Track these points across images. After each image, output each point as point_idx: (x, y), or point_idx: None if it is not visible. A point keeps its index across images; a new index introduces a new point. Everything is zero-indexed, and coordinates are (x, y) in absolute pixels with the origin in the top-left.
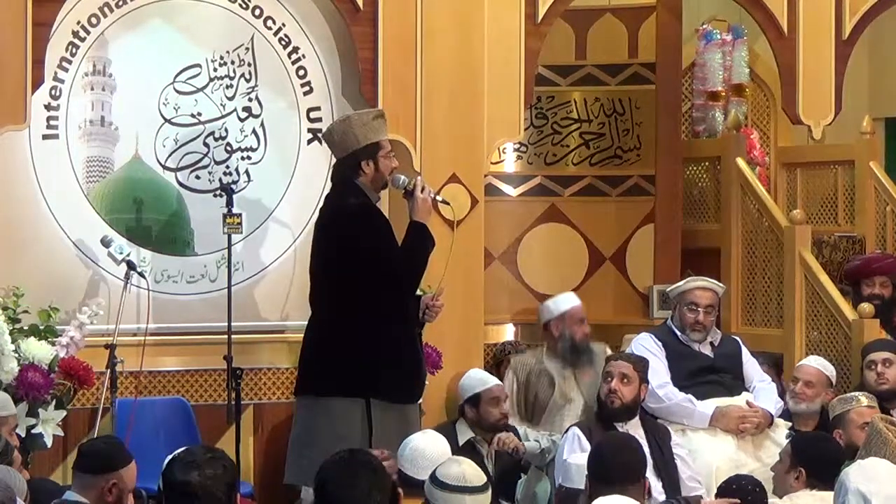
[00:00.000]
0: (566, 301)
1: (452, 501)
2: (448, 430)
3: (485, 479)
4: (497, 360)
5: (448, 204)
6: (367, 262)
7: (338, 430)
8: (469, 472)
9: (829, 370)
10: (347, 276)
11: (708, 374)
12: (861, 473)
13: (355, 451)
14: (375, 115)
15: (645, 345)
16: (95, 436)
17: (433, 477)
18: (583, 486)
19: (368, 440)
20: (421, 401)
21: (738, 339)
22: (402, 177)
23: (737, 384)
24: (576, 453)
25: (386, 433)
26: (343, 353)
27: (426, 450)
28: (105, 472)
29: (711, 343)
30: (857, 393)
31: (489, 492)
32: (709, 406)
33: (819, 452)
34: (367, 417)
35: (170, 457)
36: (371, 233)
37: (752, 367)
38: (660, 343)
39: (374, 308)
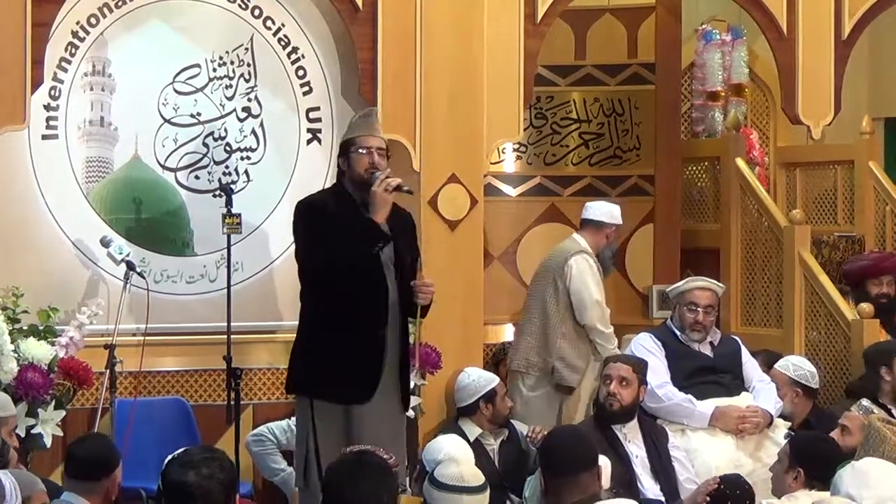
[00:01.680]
0: (620, 215)
1: (450, 501)
2: (457, 430)
3: (482, 479)
4: (496, 360)
5: (411, 193)
6: (302, 259)
7: (297, 428)
8: (467, 472)
9: (797, 371)
10: (299, 273)
11: (708, 374)
12: (853, 477)
13: (363, 451)
14: (362, 113)
15: (644, 344)
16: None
17: (431, 477)
18: None
19: (315, 440)
20: (420, 401)
21: (737, 339)
22: (378, 172)
23: (736, 384)
24: None
25: (327, 433)
26: (293, 352)
27: (454, 453)
28: (107, 475)
29: (711, 343)
30: (863, 401)
31: (487, 492)
32: (708, 406)
33: (817, 452)
34: (312, 416)
35: (169, 457)
36: (305, 228)
37: (751, 367)
38: (659, 343)
39: (315, 306)
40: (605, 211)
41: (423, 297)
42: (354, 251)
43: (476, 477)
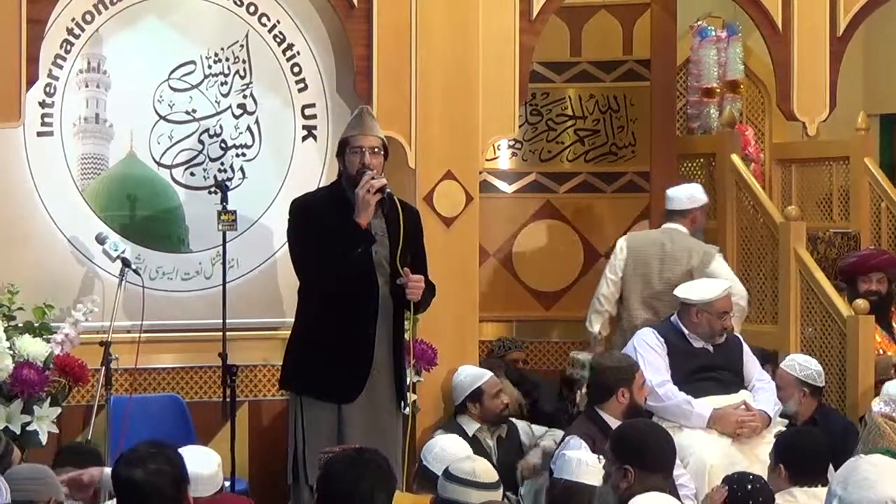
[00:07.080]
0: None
1: (460, 494)
2: (455, 427)
3: (496, 478)
4: (497, 356)
5: (384, 195)
6: (292, 258)
7: (289, 424)
8: (480, 468)
9: (803, 371)
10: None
11: (707, 372)
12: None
13: (363, 449)
14: (356, 112)
15: (647, 340)
16: (90, 437)
17: (446, 471)
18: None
19: (303, 437)
20: (416, 397)
21: (739, 336)
22: (367, 173)
23: (735, 381)
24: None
25: (316, 431)
26: (287, 348)
27: (452, 450)
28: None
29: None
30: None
31: (499, 490)
32: (706, 408)
33: (795, 447)
34: (301, 413)
35: (118, 456)
36: (293, 228)
37: (751, 365)
38: (661, 339)
39: (305, 303)
40: (676, 198)
41: (409, 293)
42: (335, 253)
43: (488, 474)
